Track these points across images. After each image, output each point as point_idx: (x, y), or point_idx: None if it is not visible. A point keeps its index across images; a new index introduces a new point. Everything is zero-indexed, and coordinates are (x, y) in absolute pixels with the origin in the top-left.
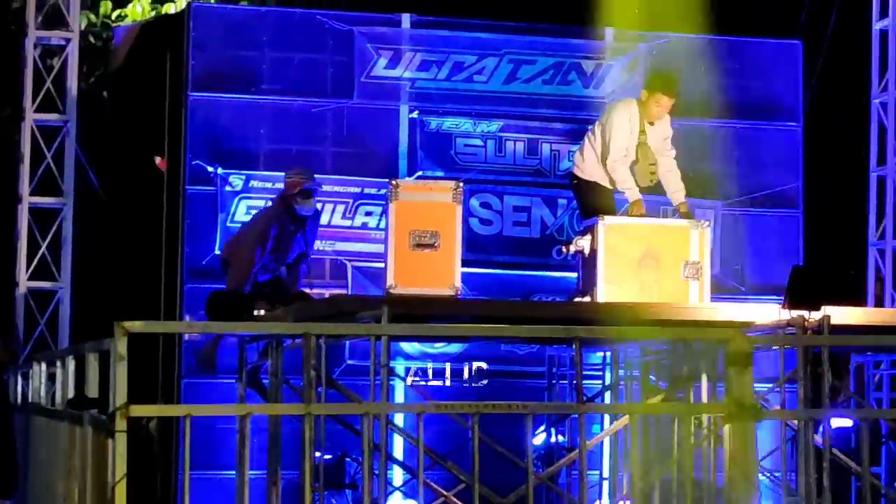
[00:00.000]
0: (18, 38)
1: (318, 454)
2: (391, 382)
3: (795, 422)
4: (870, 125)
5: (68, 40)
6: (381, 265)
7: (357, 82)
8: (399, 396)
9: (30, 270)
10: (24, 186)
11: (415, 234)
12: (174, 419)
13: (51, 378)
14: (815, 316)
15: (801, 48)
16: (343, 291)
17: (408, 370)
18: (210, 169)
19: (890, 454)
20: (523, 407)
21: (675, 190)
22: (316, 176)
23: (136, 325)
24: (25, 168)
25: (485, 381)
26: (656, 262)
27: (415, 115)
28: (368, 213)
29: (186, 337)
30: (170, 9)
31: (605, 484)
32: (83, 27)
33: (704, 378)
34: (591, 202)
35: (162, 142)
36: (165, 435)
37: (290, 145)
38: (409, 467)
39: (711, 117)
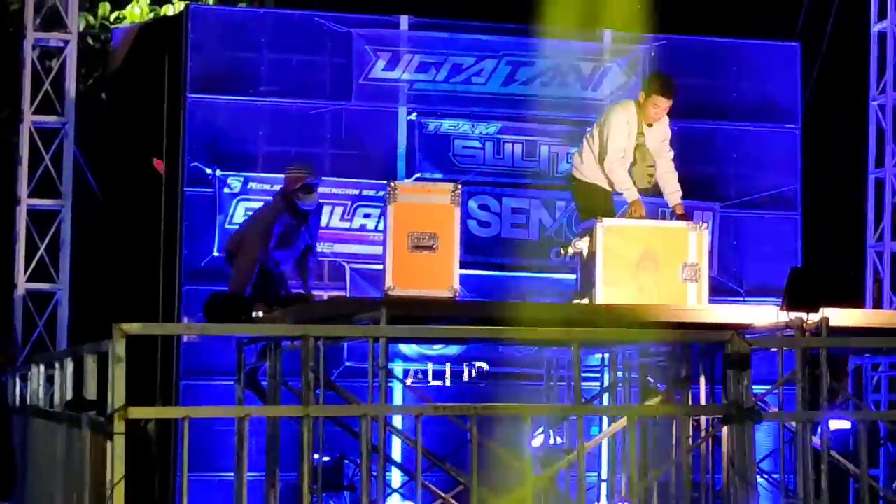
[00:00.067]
0: (17, 39)
1: (316, 456)
2: (389, 384)
3: (794, 423)
4: (868, 127)
5: (67, 42)
6: (380, 267)
7: (355, 84)
8: (397, 398)
9: (28, 272)
10: (23, 188)
11: (413, 236)
12: (172, 421)
13: (49, 380)
14: (813, 318)
15: (800, 50)
16: (341, 293)
17: (406, 372)
18: (208, 170)
19: (888, 456)
20: (521, 409)
21: (672, 191)
22: None
23: (135, 327)
24: (24, 170)
25: (483, 383)
26: (655, 264)
27: (413, 116)
28: (367, 215)
29: (185, 339)
30: (168, 11)
31: (604, 486)
32: (81, 29)
33: (703, 380)
34: (590, 204)
35: (160, 143)
36: (164, 437)
37: (289, 147)
38: (408, 469)
39: (710, 119)
